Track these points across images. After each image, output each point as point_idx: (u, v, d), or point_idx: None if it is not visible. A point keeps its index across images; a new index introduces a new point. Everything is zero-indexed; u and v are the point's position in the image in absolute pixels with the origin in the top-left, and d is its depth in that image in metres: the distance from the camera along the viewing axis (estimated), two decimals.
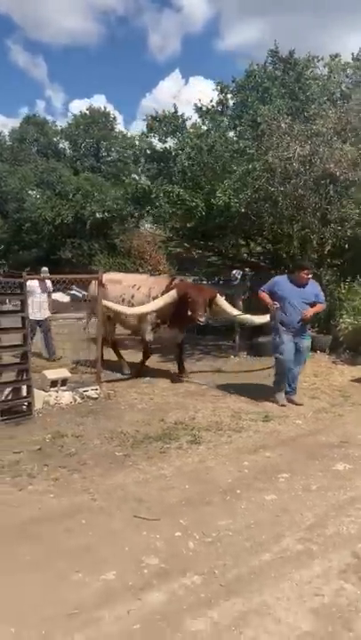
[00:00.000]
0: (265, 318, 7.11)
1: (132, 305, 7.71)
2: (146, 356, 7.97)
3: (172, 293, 7.18)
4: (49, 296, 9.14)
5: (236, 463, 4.46)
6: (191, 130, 10.71)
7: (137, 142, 10.89)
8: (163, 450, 4.78)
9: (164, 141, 10.30)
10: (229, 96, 9.82)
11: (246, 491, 3.94)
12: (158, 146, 10.71)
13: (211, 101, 10.12)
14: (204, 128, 10.81)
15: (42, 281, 8.88)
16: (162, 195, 9.72)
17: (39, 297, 8.80)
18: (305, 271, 6.29)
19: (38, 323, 8.86)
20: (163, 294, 7.41)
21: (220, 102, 10.03)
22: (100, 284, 7.28)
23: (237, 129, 9.31)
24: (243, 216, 9.59)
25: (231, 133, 10.62)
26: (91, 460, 4.54)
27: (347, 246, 10.52)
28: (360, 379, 7.69)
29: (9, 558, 3.02)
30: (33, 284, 8.70)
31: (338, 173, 8.31)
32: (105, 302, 7.22)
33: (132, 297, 7.91)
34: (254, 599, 2.68)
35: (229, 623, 2.50)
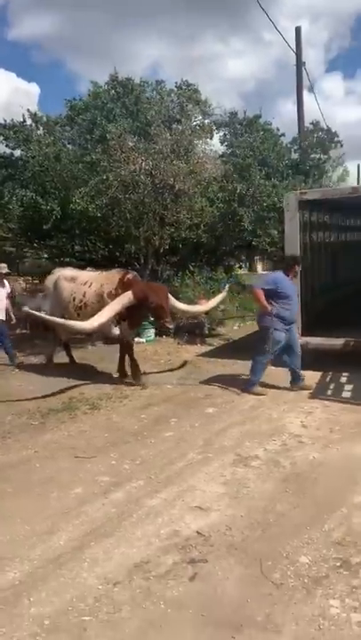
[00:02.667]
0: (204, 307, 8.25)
1: (85, 304, 7.41)
2: (130, 352, 7.44)
3: (128, 296, 6.74)
4: (8, 296, 8.53)
5: (136, 417, 5.72)
6: (36, 137, 11.40)
7: None
8: (71, 416, 5.80)
9: (13, 148, 10.90)
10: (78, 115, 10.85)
11: (150, 432, 5.22)
12: (5, 151, 11.23)
13: (60, 115, 11.08)
14: (40, 133, 11.62)
15: (0, 281, 8.41)
16: (14, 198, 10.34)
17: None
18: (299, 265, 6.68)
19: None
20: (116, 290, 7.10)
21: (69, 118, 11.00)
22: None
23: (89, 143, 10.39)
24: (92, 219, 10.70)
25: (69, 146, 11.60)
26: (14, 429, 5.38)
27: (180, 246, 12.38)
28: (203, 354, 9.42)
29: None
30: None
31: (175, 185, 9.94)
32: (59, 320, 6.99)
33: (84, 295, 7.49)
34: (183, 484, 3.98)
35: (173, 497, 3.77)
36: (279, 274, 6.60)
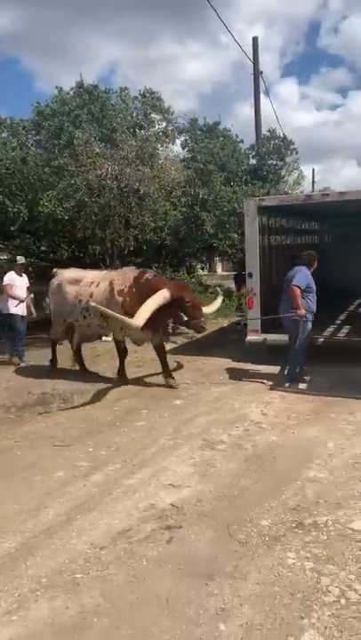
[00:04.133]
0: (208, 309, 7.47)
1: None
2: (123, 356, 7.50)
3: (164, 294, 6.44)
4: (27, 290, 8.64)
5: (109, 408, 6.08)
6: (1, 140, 11.56)
7: None
8: (47, 409, 6.11)
9: None
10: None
11: (123, 422, 5.60)
12: None
13: (27, 120, 11.29)
14: (5, 136, 11.79)
15: (19, 273, 8.60)
16: None
17: (19, 290, 8.49)
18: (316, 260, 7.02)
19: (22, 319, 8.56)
20: (129, 289, 6.93)
21: (36, 123, 11.22)
22: None
23: (56, 148, 10.65)
24: (58, 221, 10.96)
25: (36, 149, 11.78)
26: None
27: (145, 247, 12.79)
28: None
29: None
30: (12, 277, 8.49)
31: (140, 189, 10.34)
32: (116, 316, 6.33)
33: (91, 295, 7.18)
34: (157, 466, 4.39)
35: (148, 477, 4.17)
36: (306, 270, 6.83)
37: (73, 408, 6.18)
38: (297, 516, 3.49)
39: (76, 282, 7.59)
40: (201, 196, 11.07)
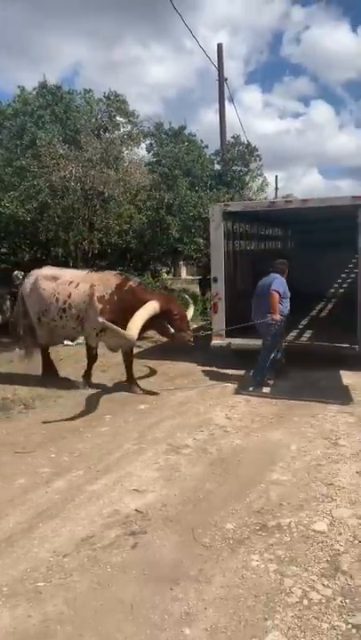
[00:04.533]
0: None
1: (70, 305, 6.98)
2: (92, 361, 7.30)
3: (154, 306, 6.39)
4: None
5: (72, 414, 5.99)
6: None
7: None
8: (7, 415, 5.98)
9: None
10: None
11: (86, 428, 5.53)
12: None
13: None
14: None
15: None
16: None
17: None
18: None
19: None
20: (110, 296, 6.80)
21: None
22: None
23: (18, 149, 10.48)
24: (20, 223, 10.79)
25: None
26: None
27: (109, 250, 12.72)
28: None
29: None
30: None
31: (104, 191, 10.29)
32: (114, 327, 5.99)
33: (69, 296, 6.99)
34: (121, 472, 4.36)
35: (112, 483, 4.13)
36: (281, 277, 6.97)
37: (34, 413, 6.07)
38: (261, 519, 3.52)
39: (54, 279, 7.29)
40: (166, 200, 11.10)
